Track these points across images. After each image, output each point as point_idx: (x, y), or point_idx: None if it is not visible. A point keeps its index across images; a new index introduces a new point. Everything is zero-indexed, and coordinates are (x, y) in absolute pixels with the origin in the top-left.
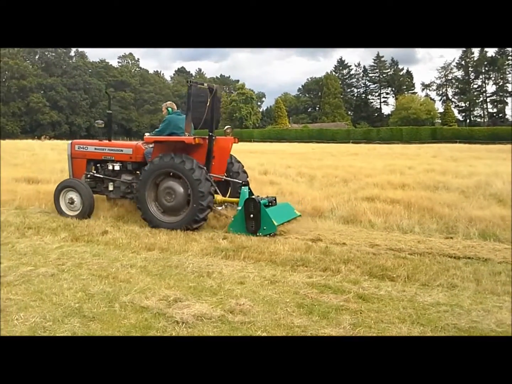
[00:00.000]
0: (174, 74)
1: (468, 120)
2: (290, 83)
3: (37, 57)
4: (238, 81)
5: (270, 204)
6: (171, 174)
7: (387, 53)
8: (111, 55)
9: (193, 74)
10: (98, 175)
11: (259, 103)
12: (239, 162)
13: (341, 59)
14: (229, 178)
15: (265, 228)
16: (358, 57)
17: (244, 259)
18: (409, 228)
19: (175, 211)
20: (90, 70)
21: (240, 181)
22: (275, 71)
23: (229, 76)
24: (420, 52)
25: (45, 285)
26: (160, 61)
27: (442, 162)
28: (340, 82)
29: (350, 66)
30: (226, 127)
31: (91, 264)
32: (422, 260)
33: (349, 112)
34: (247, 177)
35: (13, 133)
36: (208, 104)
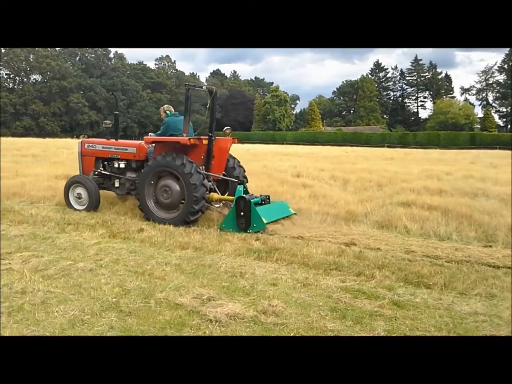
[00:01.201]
0: (209, 76)
1: (509, 126)
2: (324, 85)
3: (77, 59)
4: (272, 83)
5: (263, 202)
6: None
7: (426, 56)
8: (149, 57)
9: (228, 76)
10: (105, 172)
11: (292, 106)
12: (234, 158)
13: (377, 61)
14: (226, 177)
15: (255, 225)
16: (395, 60)
17: (277, 261)
18: (447, 235)
19: (171, 208)
20: (128, 72)
21: (237, 180)
22: (309, 73)
23: (263, 79)
24: (459, 55)
25: (84, 280)
26: (195, 64)
27: (481, 169)
28: (376, 85)
29: (387, 69)
30: (226, 128)
31: (128, 260)
32: (459, 268)
33: (385, 116)
34: (244, 171)
35: (53, 132)
36: (208, 105)
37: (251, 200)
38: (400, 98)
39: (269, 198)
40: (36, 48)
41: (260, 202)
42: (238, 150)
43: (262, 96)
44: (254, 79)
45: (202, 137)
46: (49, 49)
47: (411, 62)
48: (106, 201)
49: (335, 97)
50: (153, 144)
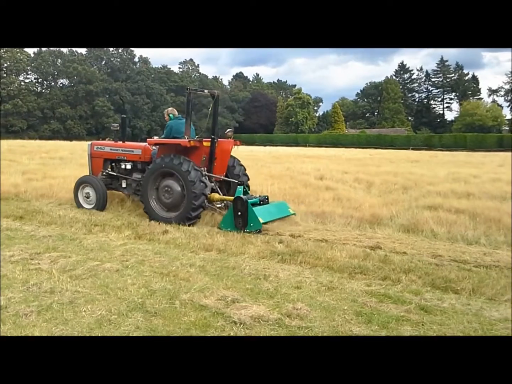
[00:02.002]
0: (232, 79)
1: None
2: (347, 87)
3: (103, 63)
4: (295, 86)
5: (261, 202)
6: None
7: (452, 57)
8: (173, 61)
9: (251, 79)
10: (112, 173)
11: (315, 108)
12: (234, 158)
13: (402, 63)
14: (227, 178)
15: (252, 225)
16: (420, 61)
17: (301, 263)
18: (475, 239)
19: (173, 208)
20: (152, 76)
21: (237, 181)
22: (332, 75)
23: (286, 81)
24: (487, 56)
25: (110, 280)
26: (218, 67)
27: (510, 172)
28: (400, 87)
29: (412, 70)
30: (228, 130)
31: (153, 261)
32: (488, 273)
33: (410, 118)
34: (245, 169)
35: (79, 135)
36: (210, 109)
37: (248, 201)
38: (426, 100)
39: (267, 199)
40: (64, 53)
41: (258, 202)
42: (260, 153)
43: (284, 98)
44: (276, 82)
45: (204, 139)
46: (75, 53)
47: (436, 63)
48: (133, 204)
49: (358, 99)
50: (157, 146)
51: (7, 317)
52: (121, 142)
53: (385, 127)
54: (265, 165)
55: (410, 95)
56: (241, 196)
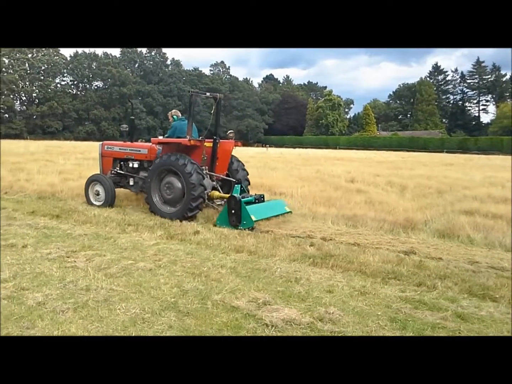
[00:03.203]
0: (262, 81)
1: None
2: (379, 89)
3: (136, 66)
4: (325, 87)
5: (256, 201)
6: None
7: (488, 57)
8: (204, 64)
9: (281, 81)
10: (121, 171)
11: (346, 110)
12: (239, 161)
13: (436, 64)
14: (226, 177)
15: (245, 222)
16: (455, 62)
17: (332, 267)
18: None
19: (173, 203)
20: (184, 78)
21: (234, 180)
22: (363, 77)
23: (317, 83)
24: None
25: (144, 279)
26: (249, 69)
27: None
28: (434, 88)
29: (446, 71)
30: (229, 131)
31: (185, 261)
32: None
33: (444, 120)
34: (247, 174)
35: (113, 136)
36: (213, 111)
37: (242, 199)
38: (461, 102)
39: (263, 197)
40: (99, 55)
41: (253, 200)
42: (290, 155)
43: (315, 100)
44: (307, 84)
45: (206, 139)
46: (110, 56)
47: (472, 64)
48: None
49: (391, 101)
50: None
51: (45, 313)
52: (129, 142)
53: (418, 130)
54: (295, 167)
55: (444, 97)
56: (235, 194)
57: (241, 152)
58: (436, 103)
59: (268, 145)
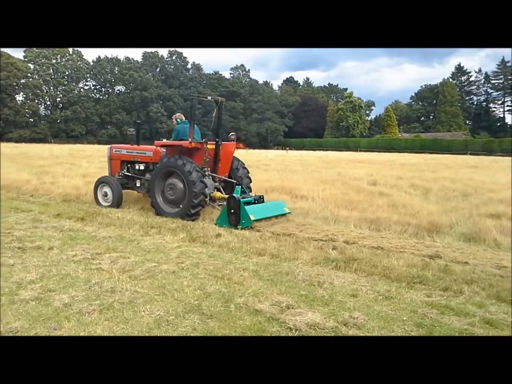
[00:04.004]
0: (282, 84)
1: None
2: (401, 90)
3: (157, 70)
4: (346, 89)
5: (256, 201)
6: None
7: None
8: (224, 67)
9: (301, 83)
10: (128, 173)
11: (367, 112)
12: (238, 160)
13: (459, 65)
14: (228, 179)
15: (243, 221)
16: (478, 63)
17: (356, 271)
18: None
19: (175, 203)
20: (204, 82)
21: (234, 181)
22: (385, 78)
23: (337, 85)
24: None
25: (167, 281)
26: (268, 72)
27: None
28: (458, 90)
29: (470, 72)
30: (231, 133)
31: (207, 264)
32: None
33: (468, 121)
34: (248, 172)
35: (134, 140)
36: (214, 114)
37: (241, 199)
38: (485, 103)
39: (262, 198)
40: (121, 60)
41: (253, 201)
42: (310, 157)
43: (335, 102)
44: (327, 86)
45: (209, 142)
46: (132, 61)
47: (497, 64)
48: None
49: (413, 102)
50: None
51: (71, 314)
52: (136, 145)
53: (441, 131)
54: (316, 170)
55: (468, 98)
56: (234, 195)
57: (260, 155)
58: (459, 104)
59: (288, 148)
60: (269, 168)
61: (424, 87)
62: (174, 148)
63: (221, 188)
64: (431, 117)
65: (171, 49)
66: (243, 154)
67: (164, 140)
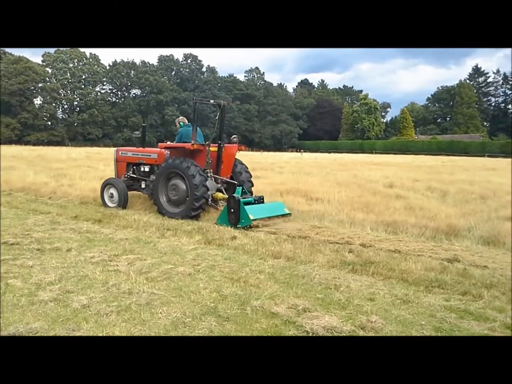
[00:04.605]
0: (296, 86)
1: None
2: (417, 92)
3: (173, 73)
4: (361, 91)
5: (255, 202)
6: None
7: None
8: (239, 70)
9: (316, 85)
10: (133, 175)
11: (383, 114)
12: (242, 164)
13: (476, 66)
14: (229, 180)
15: (243, 221)
16: (496, 63)
17: (373, 274)
18: None
19: (178, 204)
20: (219, 85)
21: (236, 182)
22: (400, 80)
23: (352, 87)
24: None
25: (184, 283)
26: (283, 74)
27: None
28: (475, 91)
29: (487, 73)
30: (233, 136)
31: (223, 267)
32: None
33: (485, 123)
34: (250, 176)
35: (150, 142)
36: (217, 117)
37: (241, 200)
38: (503, 104)
39: (263, 199)
40: (137, 64)
41: (253, 201)
42: (325, 160)
43: (350, 104)
44: (342, 88)
45: (211, 144)
46: (147, 64)
47: None
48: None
49: (429, 104)
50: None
51: (89, 315)
52: (141, 148)
53: (458, 133)
54: (331, 173)
55: (485, 99)
56: (234, 195)
57: (274, 158)
58: (476, 106)
59: (302, 150)
60: (283, 171)
61: (440, 88)
62: (177, 150)
63: (223, 189)
64: (447, 118)
65: (186, 52)
66: (257, 157)
67: (168, 143)
